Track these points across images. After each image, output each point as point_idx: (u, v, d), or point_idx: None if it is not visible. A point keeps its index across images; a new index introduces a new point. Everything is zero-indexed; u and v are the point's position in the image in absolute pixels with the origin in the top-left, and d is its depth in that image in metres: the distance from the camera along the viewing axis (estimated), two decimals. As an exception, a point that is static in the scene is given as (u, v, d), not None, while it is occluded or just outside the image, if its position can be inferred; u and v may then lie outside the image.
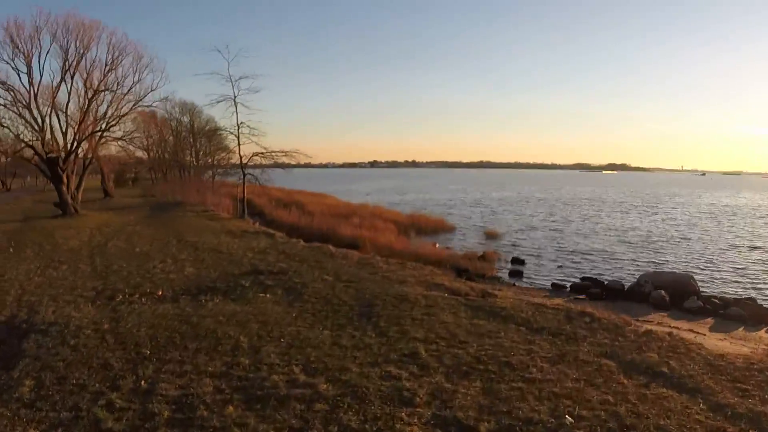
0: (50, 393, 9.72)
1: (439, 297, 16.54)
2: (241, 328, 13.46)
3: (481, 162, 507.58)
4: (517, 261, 33.25)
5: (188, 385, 9.89)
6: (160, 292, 17.69)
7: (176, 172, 75.45)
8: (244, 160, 44.80)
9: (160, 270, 21.27)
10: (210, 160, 69.79)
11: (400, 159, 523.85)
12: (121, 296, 17.27)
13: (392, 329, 13.17)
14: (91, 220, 38.28)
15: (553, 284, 27.43)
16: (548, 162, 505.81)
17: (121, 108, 44.88)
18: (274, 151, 41.97)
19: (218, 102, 42.93)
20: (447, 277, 21.22)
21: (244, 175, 44.52)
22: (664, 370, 10.64)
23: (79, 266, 22.38)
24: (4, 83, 39.45)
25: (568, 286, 26.95)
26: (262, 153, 42.66)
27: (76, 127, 42.49)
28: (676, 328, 17.22)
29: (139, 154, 75.49)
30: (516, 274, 29.87)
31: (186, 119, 74.69)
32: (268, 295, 16.93)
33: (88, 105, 42.90)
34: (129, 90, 44.71)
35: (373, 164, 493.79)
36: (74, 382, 10.19)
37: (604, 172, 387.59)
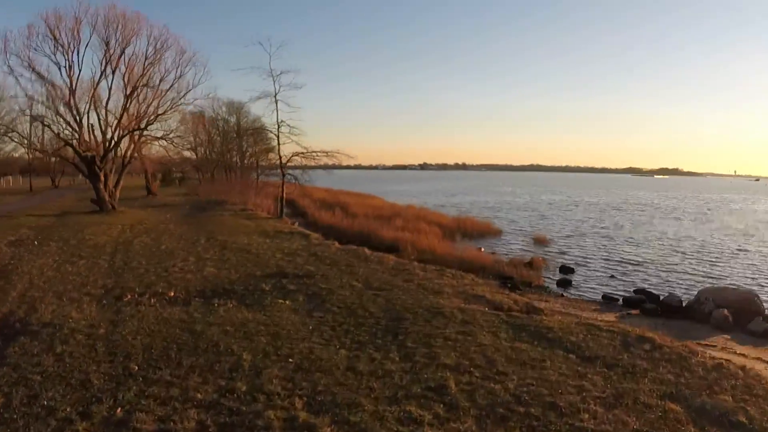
0: (14, 416, 8.20)
1: (478, 312, 14.41)
2: (247, 341, 11.69)
3: (532, 165, 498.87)
4: (566, 269, 30.81)
5: (169, 418, 8.14)
6: (172, 293, 16.03)
7: (223, 172, 74.61)
8: (284, 160, 43.01)
9: (179, 269, 19.64)
10: (255, 161, 68.34)
11: (450, 162, 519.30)
12: (129, 296, 15.71)
13: (420, 351, 11.12)
14: (126, 217, 37.10)
15: (604, 296, 24.94)
16: (599, 166, 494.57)
17: (162, 105, 43.65)
18: (315, 152, 39.97)
19: (258, 99, 41.54)
20: (489, 288, 18.96)
21: (284, 175, 42.66)
22: (742, 419, 8.43)
23: (97, 262, 20.96)
24: (44, 77, 38.47)
25: (620, 299, 24.44)
26: (302, 153, 40.75)
27: (114, 125, 41.51)
28: (743, 355, 14.85)
29: (187, 154, 75.43)
30: (564, 284, 27.45)
31: (233, 119, 73.79)
32: (287, 302, 15.09)
33: (127, 101, 41.81)
34: (171, 86, 43.53)
35: (423, 166, 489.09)
36: (45, 403, 8.64)
37: (655, 176, 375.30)
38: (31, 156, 61.81)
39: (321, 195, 67.40)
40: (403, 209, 53.19)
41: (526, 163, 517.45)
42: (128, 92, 41.50)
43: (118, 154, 43.75)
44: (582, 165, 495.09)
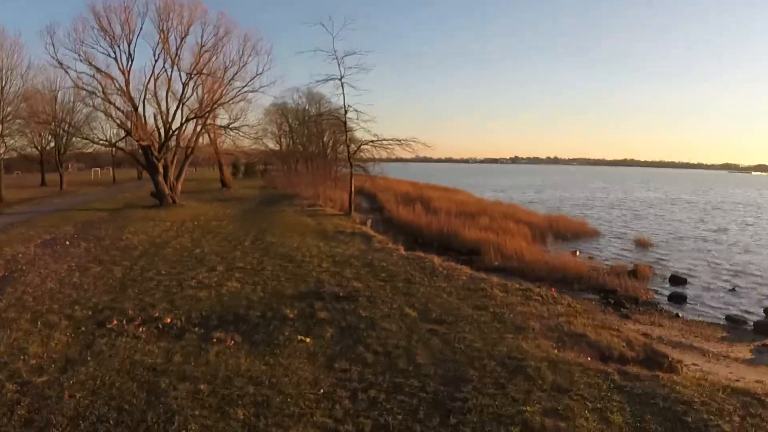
0: None
1: (577, 368, 9.50)
2: (217, 415, 7.53)
3: (625, 160, 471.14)
4: (677, 280, 25.23)
5: None
6: (169, 319, 12.03)
7: (305, 163, 71.24)
8: (353, 150, 38.26)
9: (198, 282, 15.65)
10: (333, 152, 64.49)
11: (542, 155, 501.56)
12: (115, 321, 11.88)
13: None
14: (181, 213, 33.97)
15: (727, 317, 19.61)
16: (694, 162, 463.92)
17: (226, 94, 40.29)
18: (386, 140, 35.10)
19: (321, 82, 36.76)
20: (590, 319, 13.81)
21: (352, 166, 37.88)
22: None
23: (112, 270, 17.30)
24: (100, 70, 35.60)
25: (749, 322, 19.06)
26: (372, 142, 36.12)
27: (171, 114, 38.45)
28: None
29: (271, 145, 72.77)
30: (677, 299, 22.02)
31: (314, 110, 69.84)
32: (308, 339, 10.74)
33: (185, 90, 38.69)
34: (234, 75, 40.17)
35: (515, 160, 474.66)
36: None
37: (753, 173, 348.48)
38: (93, 150, 59.96)
39: (405, 189, 63.17)
40: (489, 206, 47.92)
41: (620, 158, 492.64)
42: (185, 81, 38.33)
43: (181, 144, 40.47)
44: (677, 161, 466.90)
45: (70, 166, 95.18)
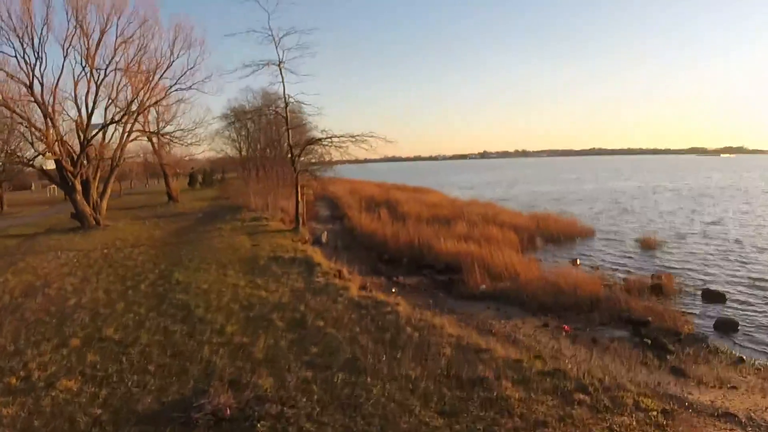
0: None
1: None
2: None
3: (593, 149, 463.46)
4: (712, 296, 19.12)
5: None
6: None
7: (264, 169, 63.83)
8: (298, 150, 31.03)
9: (18, 380, 9.39)
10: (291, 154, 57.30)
11: (510, 149, 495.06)
12: None
13: None
14: (102, 237, 27.70)
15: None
16: (661, 147, 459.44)
17: (155, 94, 33.57)
18: (337, 137, 27.89)
19: (257, 69, 28.27)
20: None
21: (296, 170, 30.08)
22: None
23: None
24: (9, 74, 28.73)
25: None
26: (320, 140, 29.35)
27: (86, 122, 31.60)
28: None
29: (230, 151, 65.87)
30: (726, 328, 15.94)
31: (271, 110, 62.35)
32: None
33: (97, 91, 31.90)
34: (164, 72, 33.61)
35: (484, 155, 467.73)
36: None
37: (722, 155, 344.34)
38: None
39: (371, 191, 56.70)
40: (465, 206, 41.51)
41: (587, 147, 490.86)
42: (100, 79, 31.48)
43: (106, 155, 33.55)
44: (644, 147, 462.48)
45: (32, 184, 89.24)
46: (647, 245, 29.03)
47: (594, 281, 18.76)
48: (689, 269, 23.55)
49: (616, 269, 23.67)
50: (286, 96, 27.78)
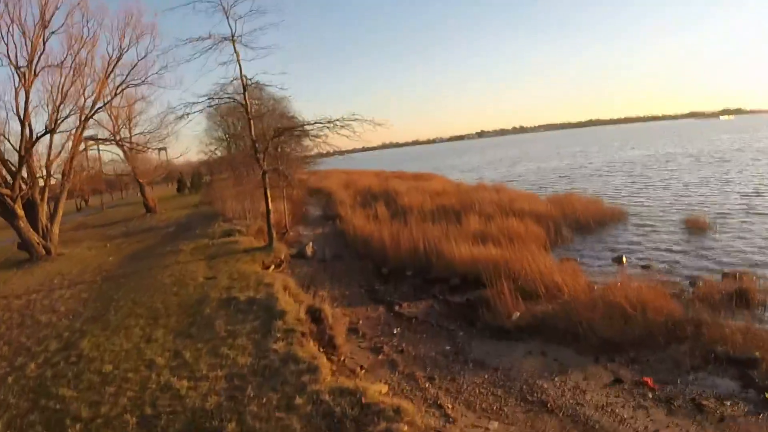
0: None
1: None
2: None
3: (591, 121, 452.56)
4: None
5: None
6: None
7: (250, 169, 58.01)
8: (265, 142, 24.33)
9: None
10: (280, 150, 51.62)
11: (508, 126, 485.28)
12: None
13: None
14: (46, 271, 23.00)
15: None
16: (659, 114, 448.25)
17: (103, 95, 28.26)
18: (309, 123, 22.24)
19: (209, 49, 21.58)
20: None
21: (264, 171, 23.79)
22: None
23: None
24: None
25: None
26: (290, 129, 23.99)
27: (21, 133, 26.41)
28: None
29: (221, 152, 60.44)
30: None
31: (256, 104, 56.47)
32: None
33: (27, 97, 26.49)
34: (112, 68, 28.31)
35: (481, 134, 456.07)
36: None
37: (721, 117, 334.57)
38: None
39: (368, 182, 51.46)
40: (473, 191, 36.22)
41: (584, 119, 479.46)
42: (19, 83, 26.07)
43: (55, 172, 28.33)
44: (642, 115, 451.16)
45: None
46: (695, 228, 23.89)
47: (660, 294, 13.48)
48: (759, 261, 18.30)
49: (673, 266, 18.55)
50: (244, 78, 22.11)
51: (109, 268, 21.99)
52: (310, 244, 23.87)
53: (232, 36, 21.46)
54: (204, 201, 50.94)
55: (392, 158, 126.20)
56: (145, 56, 30.23)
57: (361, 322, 14.52)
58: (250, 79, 21.95)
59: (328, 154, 30.73)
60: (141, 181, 44.56)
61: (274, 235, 23.26)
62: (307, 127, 22.29)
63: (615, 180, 47.18)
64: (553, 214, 26.25)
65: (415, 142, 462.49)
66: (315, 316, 13.10)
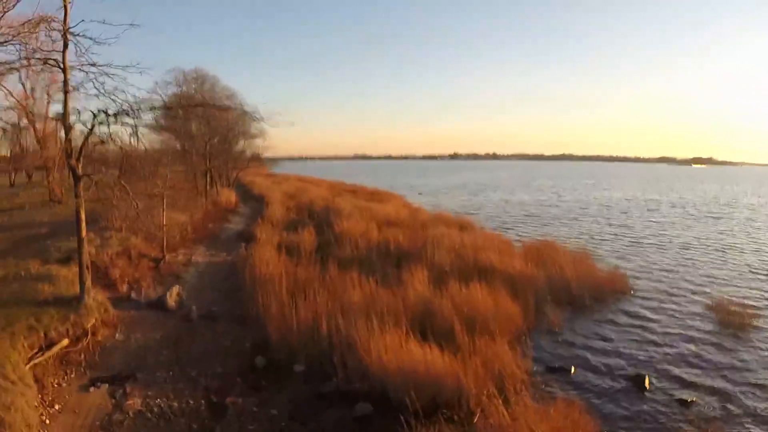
0: None
1: None
2: None
3: (563, 155, 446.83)
4: None
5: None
6: None
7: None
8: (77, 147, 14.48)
9: None
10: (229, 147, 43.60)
11: (481, 152, 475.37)
12: None
13: None
14: None
15: None
16: (631, 155, 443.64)
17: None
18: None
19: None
20: None
21: (76, 180, 14.21)
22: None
23: None
24: None
25: None
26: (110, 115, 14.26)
27: None
28: None
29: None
30: None
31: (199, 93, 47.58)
32: None
33: None
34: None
35: (454, 156, 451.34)
36: None
37: (693, 165, 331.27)
38: None
39: (319, 193, 44.94)
40: (430, 223, 28.56)
41: (557, 152, 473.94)
42: None
43: None
44: (614, 154, 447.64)
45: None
46: (726, 319, 16.58)
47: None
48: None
49: (714, 394, 11.30)
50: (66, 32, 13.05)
51: None
52: (176, 289, 15.81)
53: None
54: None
55: (360, 170, 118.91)
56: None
57: None
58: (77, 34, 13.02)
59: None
60: (47, 164, 35.27)
61: (89, 282, 14.31)
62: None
63: (594, 227, 39.50)
64: (533, 278, 18.46)
65: (388, 157, 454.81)
66: None
